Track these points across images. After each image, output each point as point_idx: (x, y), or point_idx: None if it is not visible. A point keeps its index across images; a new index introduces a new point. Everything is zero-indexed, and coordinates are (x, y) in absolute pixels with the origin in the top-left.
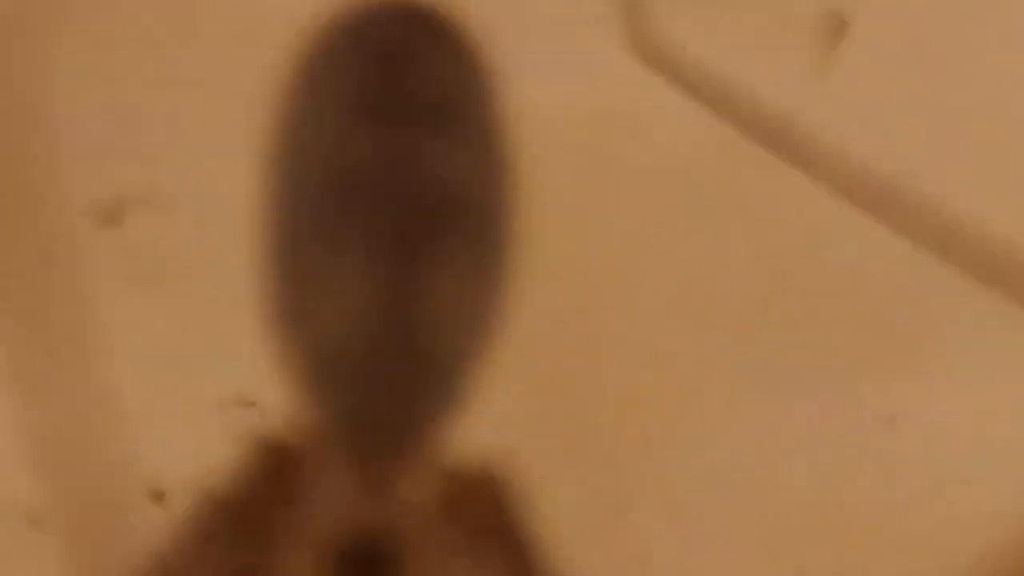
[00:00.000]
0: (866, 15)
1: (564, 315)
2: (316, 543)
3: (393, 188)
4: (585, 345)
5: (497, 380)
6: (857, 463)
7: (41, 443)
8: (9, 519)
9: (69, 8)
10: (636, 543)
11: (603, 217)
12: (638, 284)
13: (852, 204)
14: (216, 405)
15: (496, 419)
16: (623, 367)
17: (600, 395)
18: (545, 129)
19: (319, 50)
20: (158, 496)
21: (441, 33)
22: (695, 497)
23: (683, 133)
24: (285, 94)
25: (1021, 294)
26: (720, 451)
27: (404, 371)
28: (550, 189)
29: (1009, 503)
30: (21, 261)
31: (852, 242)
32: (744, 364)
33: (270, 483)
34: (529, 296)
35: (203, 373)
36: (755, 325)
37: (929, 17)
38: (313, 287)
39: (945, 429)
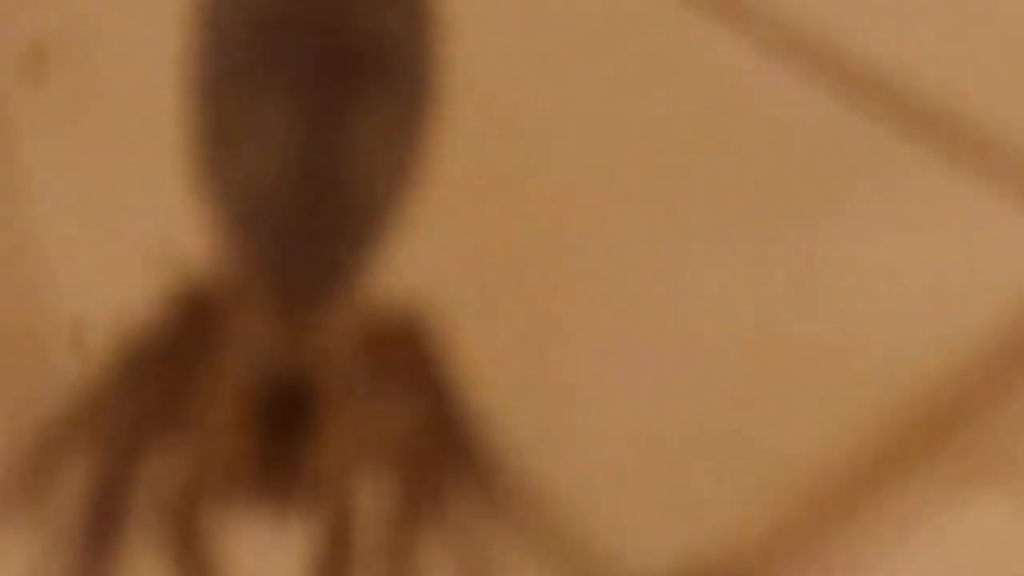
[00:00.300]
0: None
1: (487, 162)
2: (236, 389)
3: (320, 38)
4: (507, 190)
5: (418, 227)
6: (779, 304)
7: None
8: None
9: None
10: (558, 384)
11: (528, 69)
12: (562, 131)
13: (778, 58)
14: (138, 252)
15: (417, 265)
16: (546, 210)
17: (523, 239)
18: None
19: None
20: (77, 342)
21: None
22: (617, 336)
23: None
24: None
25: (947, 146)
26: (643, 293)
27: (326, 218)
28: (477, 41)
29: (921, 343)
30: None
31: (776, 94)
32: (669, 207)
33: (190, 329)
34: (452, 143)
35: (125, 220)
36: (678, 173)
37: None
38: (237, 134)
39: (865, 270)
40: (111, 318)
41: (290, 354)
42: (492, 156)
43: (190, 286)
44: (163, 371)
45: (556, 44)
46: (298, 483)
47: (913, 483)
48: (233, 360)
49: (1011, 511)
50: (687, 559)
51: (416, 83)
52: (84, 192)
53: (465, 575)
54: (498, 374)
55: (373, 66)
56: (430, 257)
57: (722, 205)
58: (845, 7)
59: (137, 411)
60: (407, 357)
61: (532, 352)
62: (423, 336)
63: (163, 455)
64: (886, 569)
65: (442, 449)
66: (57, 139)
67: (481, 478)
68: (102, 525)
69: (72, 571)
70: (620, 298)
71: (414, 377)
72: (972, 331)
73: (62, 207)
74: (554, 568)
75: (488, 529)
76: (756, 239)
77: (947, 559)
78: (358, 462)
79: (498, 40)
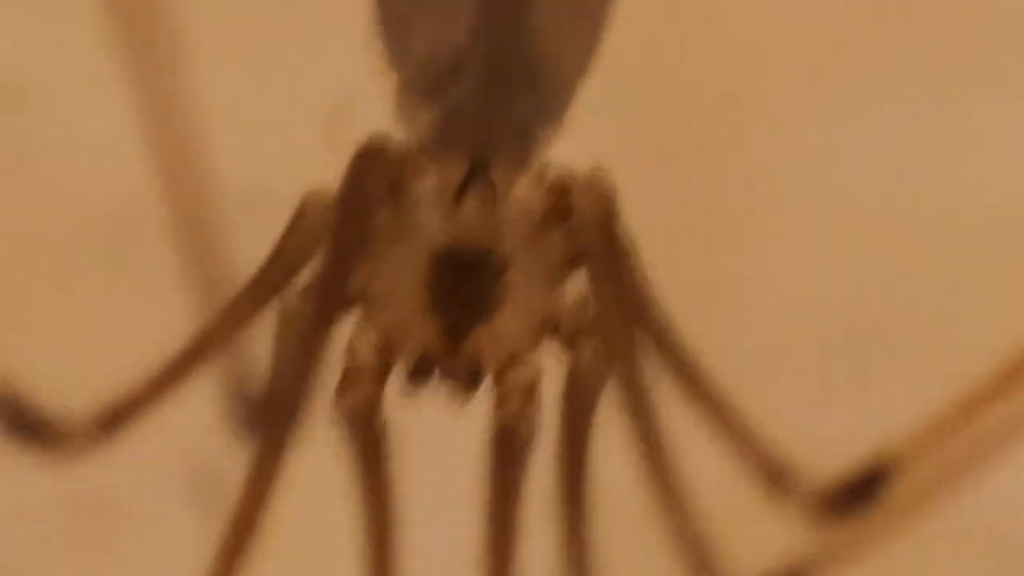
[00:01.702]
0: None
1: (665, 40)
2: (419, 246)
3: None
4: (682, 67)
5: (599, 103)
6: (942, 184)
7: (135, 156)
8: (102, 230)
9: None
10: (731, 255)
11: None
12: (736, 6)
13: None
14: (318, 113)
15: (598, 135)
16: (720, 86)
17: (696, 116)
18: None
19: None
20: (254, 210)
21: None
22: (788, 211)
23: None
24: None
25: None
26: (803, 167)
27: (511, 89)
28: None
29: None
30: None
31: None
32: (839, 83)
33: (375, 183)
34: (631, 18)
35: (307, 81)
36: (849, 46)
37: None
38: (424, 7)
39: None
40: (290, 185)
41: (474, 220)
42: (666, 28)
43: (374, 142)
44: (352, 229)
45: None
46: (481, 352)
47: None
48: (420, 222)
49: None
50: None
51: None
52: (256, 55)
53: (642, 446)
54: (671, 244)
55: None
56: (611, 131)
57: (888, 73)
58: None
59: (328, 267)
60: (590, 226)
61: (712, 227)
62: (605, 205)
63: (349, 320)
64: None
65: (622, 318)
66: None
67: (659, 348)
68: (290, 391)
69: (257, 433)
70: (788, 169)
71: (596, 245)
72: None
73: (233, 71)
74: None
75: (660, 399)
76: (920, 111)
77: None
78: (540, 332)
79: None
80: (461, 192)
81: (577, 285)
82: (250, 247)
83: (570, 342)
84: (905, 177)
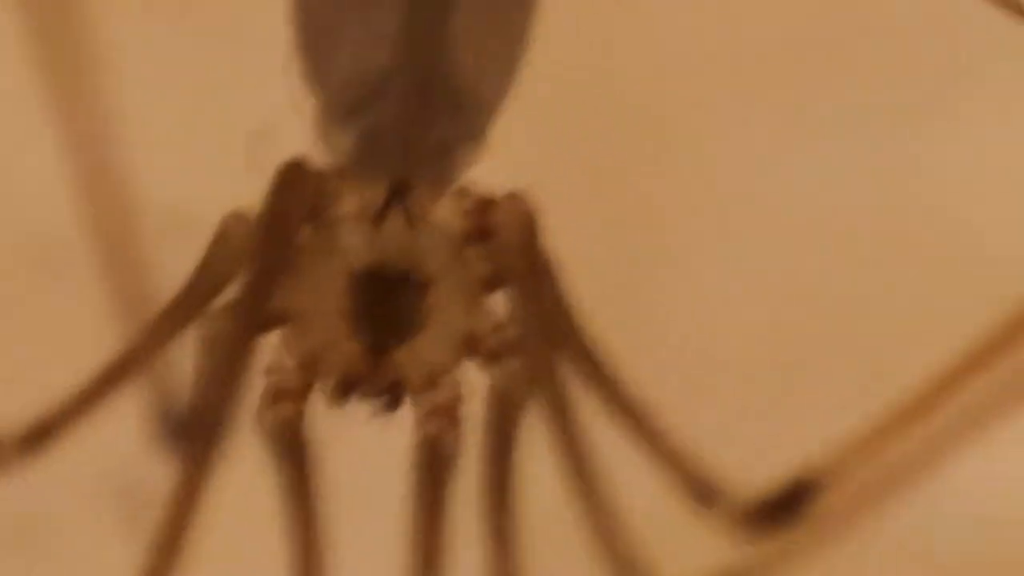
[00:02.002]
0: None
1: (590, 53)
2: (341, 266)
3: None
4: (620, 77)
5: (519, 118)
6: (887, 201)
7: (61, 176)
8: (36, 253)
9: None
10: (666, 280)
11: None
12: (670, 22)
13: None
14: (241, 134)
15: (518, 155)
16: (653, 104)
17: (622, 129)
18: None
19: None
20: (177, 229)
21: None
22: (725, 233)
23: None
24: None
25: None
26: (752, 189)
27: (432, 107)
28: None
29: None
30: None
31: None
32: (778, 104)
33: (297, 204)
34: (554, 35)
35: (229, 102)
36: (791, 67)
37: None
38: (343, 24)
39: (977, 171)
40: (210, 206)
41: (396, 241)
42: (596, 45)
43: (297, 162)
44: (274, 249)
45: None
46: (404, 371)
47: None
48: (339, 237)
49: None
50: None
51: None
52: (183, 80)
53: (567, 463)
54: (597, 260)
55: None
56: (535, 148)
57: (834, 102)
58: None
59: (251, 287)
60: (510, 242)
61: (638, 246)
62: (527, 222)
63: (273, 337)
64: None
65: (545, 337)
66: (154, 20)
67: (583, 367)
68: (214, 408)
69: (182, 450)
70: (728, 194)
71: (516, 261)
72: None
73: (158, 94)
74: (652, 464)
75: (583, 418)
76: (867, 137)
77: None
78: (462, 351)
79: None
80: (382, 213)
81: (499, 304)
82: (174, 267)
83: (492, 361)
84: (833, 198)
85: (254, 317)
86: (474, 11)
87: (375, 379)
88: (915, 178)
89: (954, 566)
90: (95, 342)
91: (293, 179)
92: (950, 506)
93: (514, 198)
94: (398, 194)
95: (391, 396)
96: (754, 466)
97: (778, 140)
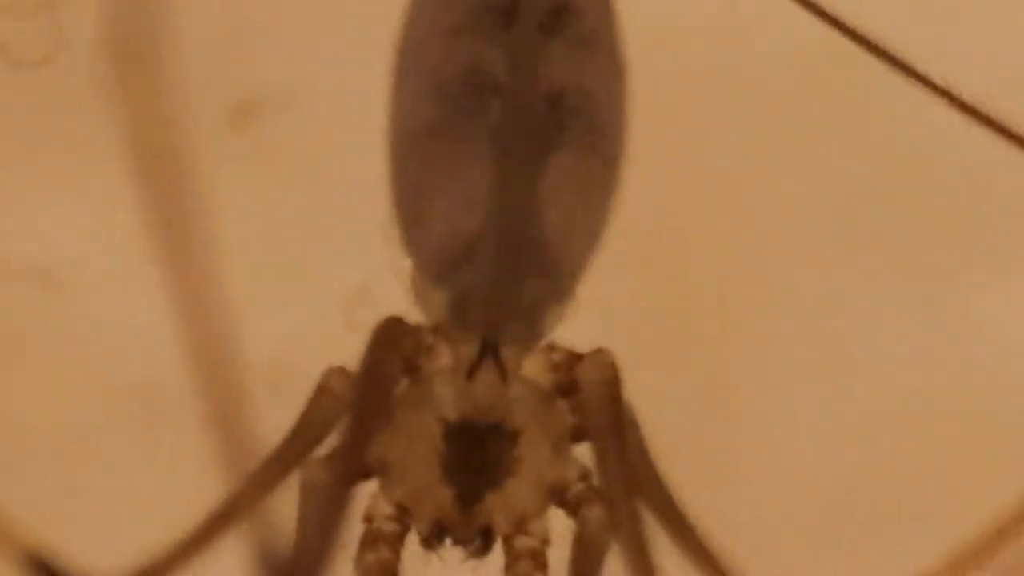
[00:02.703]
0: None
1: (668, 220)
2: (434, 419)
3: (517, 94)
4: (686, 246)
5: (603, 278)
6: (941, 363)
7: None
8: (130, 404)
9: None
10: (731, 428)
11: (707, 125)
12: (741, 187)
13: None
14: (337, 299)
15: (603, 314)
16: (723, 266)
17: (699, 293)
18: (653, 42)
19: None
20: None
21: None
22: (783, 382)
23: (787, 41)
24: None
25: None
26: (809, 341)
27: (521, 261)
28: (657, 99)
29: None
30: (147, 160)
31: (951, 148)
32: (840, 262)
33: (394, 358)
34: (634, 199)
35: (326, 268)
36: (851, 227)
37: None
38: (436, 187)
39: None
40: (309, 364)
41: (487, 394)
42: (669, 208)
43: (396, 325)
44: (371, 402)
45: (732, 99)
46: (493, 517)
47: None
48: (436, 395)
49: None
50: None
51: (609, 140)
52: (283, 241)
53: None
54: (675, 420)
55: (570, 121)
56: (617, 309)
57: (890, 254)
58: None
59: (350, 437)
60: (594, 400)
61: (709, 401)
62: (609, 385)
63: (371, 485)
64: None
65: (625, 487)
66: (259, 187)
67: (661, 516)
68: (313, 555)
69: None
70: (787, 346)
71: (600, 419)
72: None
73: (260, 255)
74: None
75: (661, 564)
76: (921, 290)
77: None
78: (547, 499)
79: (678, 95)
80: (473, 369)
81: (582, 455)
82: (273, 420)
83: (576, 509)
84: (902, 352)
85: (353, 466)
86: (561, 176)
87: (466, 524)
88: (968, 337)
89: None
90: (199, 491)
91: (391, 334)
92: None
93: (596, 357)
94: (490, 350)
95: (482, 540)
96: None
97: (846, 290)
